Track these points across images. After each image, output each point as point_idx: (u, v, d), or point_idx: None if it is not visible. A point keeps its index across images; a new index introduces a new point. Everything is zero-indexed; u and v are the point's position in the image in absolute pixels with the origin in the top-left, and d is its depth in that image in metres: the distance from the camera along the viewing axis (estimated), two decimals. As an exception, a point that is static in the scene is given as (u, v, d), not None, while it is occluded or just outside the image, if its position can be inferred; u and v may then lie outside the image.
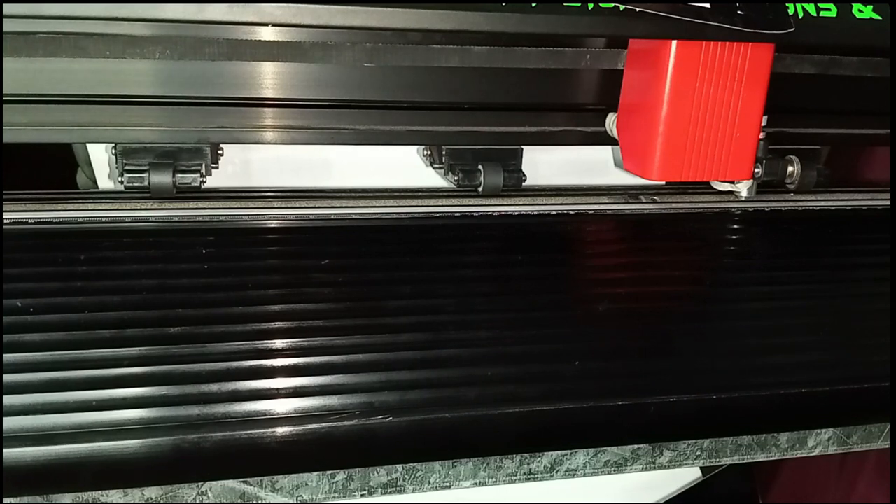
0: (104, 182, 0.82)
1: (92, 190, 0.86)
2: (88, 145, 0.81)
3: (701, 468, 1.05)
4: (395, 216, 0.75)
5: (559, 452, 0.63)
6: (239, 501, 0.58)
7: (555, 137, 0.80)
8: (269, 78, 0.71)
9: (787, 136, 0.85)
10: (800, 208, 0.85)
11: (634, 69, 0.74)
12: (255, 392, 0.56)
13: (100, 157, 0.81)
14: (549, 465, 0.63)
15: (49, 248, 0.65)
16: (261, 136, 0.73)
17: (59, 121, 0.69)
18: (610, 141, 0.79)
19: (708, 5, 0.67)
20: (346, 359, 0.59)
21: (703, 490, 1.06)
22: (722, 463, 0.69)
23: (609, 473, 0.64)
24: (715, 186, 0.84)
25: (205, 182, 0.73)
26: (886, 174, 1.00)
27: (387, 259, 0.69)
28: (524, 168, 0.80)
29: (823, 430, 0.68)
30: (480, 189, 0.79)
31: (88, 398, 0.54)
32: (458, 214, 0.76)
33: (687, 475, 1.05)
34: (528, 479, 0.63)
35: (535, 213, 0.78)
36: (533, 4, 0.63)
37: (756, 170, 0.79)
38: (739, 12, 0.67)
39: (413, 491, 0.61)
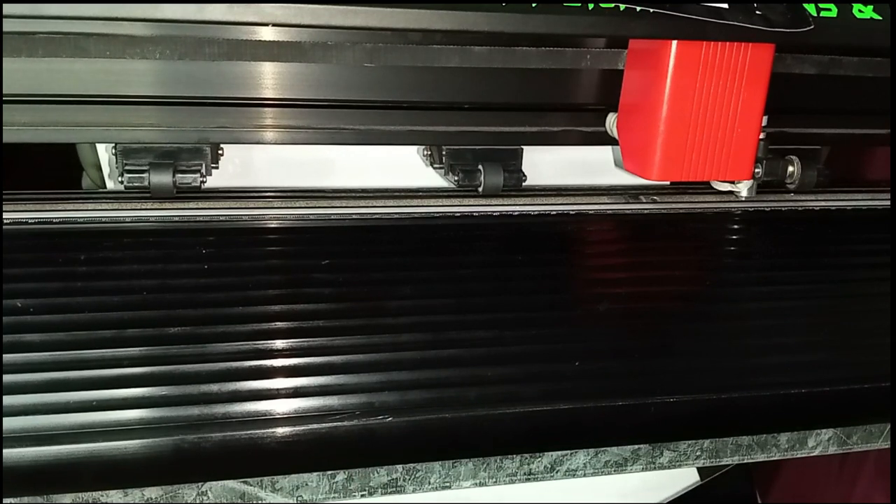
0: (112, 184, 0.82)
1: (92, 190, 0.86)
2: (98, 149, 0.82)
3: (699, 471, 1.05)
4: (395, 216, 0.75)
5: (559, 452, 0.63)
6: (239, 501, 0.58)
7: (555, 137, 0.80)
8: (269, 78, 0.71)
9: (787, 136, 0.85)
10: (800, 208, 0.85)
11: (635, 69, 0.74)
12: (256, 392, 0.56)
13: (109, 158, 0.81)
14: (549, 465, 0.63)
15: (49, 248, 0.65)
16: (261, 136, 0.73)
17: (59, 121, 0.69)
18: (610, 141, 0.79)
19: (726, 5, 0.67)
20: (346, 359, 0.59)
21: (702, 492, 1.06)
22: (722, 463, 0.69)
23: (609, 473, 0.64)
24: (715, 186, 0.84)
25: (205, 182, 0.73)
26: (886, 174, 1.01)
27: (387, 259, 0.69)
28: (524, 168, 0.80)
29: (823, 430, 0.68)
30: (480, 189, 0.79)
31: (89, 398, 0.54)
32: (458, 214, 0.76)
33: (687, 477, 1.05)
34: (528, 479, 0.63)
35: (536, 213, 0.78)
36: (533, 4, 0.63)
37: (756, 170, 0.79)
38: (758, 12, 0.67)
39: (413, 491, 0.61)
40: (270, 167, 0.82)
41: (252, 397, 0.56)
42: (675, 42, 0.69)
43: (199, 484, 0.57)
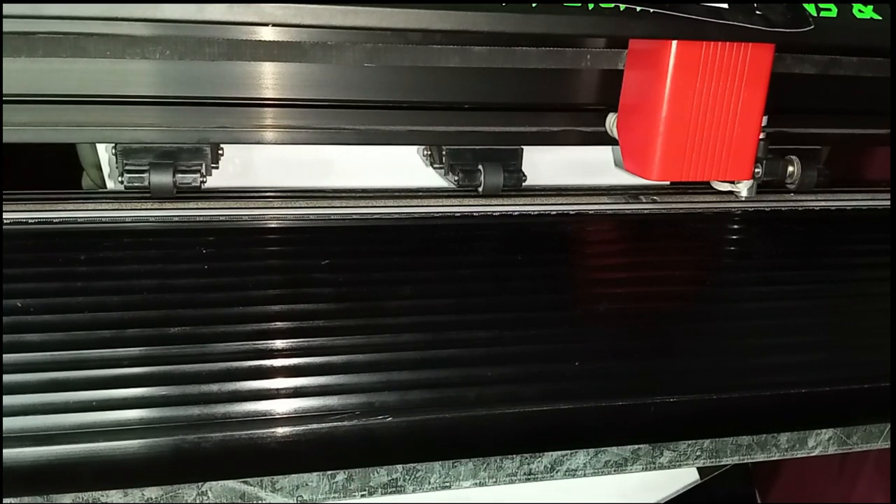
0: (112, 184, 0.82)
1: (92, 190, 0.86)
2: (98, 149, 0.82)
3: (698, 470, 1.05)
4: (395, 216, 0.75)
5: (559, 452, 0.63)
6: (239, 501, 0.58)
7: (555, 137, 0.80)
8: (269, 78, 0.71)
9: (787, 136, 0.85)
10: (800, 208, 0.85)
11: (635, 69, 0.74)
12: (256, 392, 0.56)
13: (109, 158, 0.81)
14: (549, 465, 0.63)
15: (49, 248, 0.65)
16: (261, 136, 0.73)
17: (59, 121, 0.69)
18: (610, 141, 0.79)
19: (726, 5, 0.67)
20: (346, 359, 0.59)
21: (702, 491, 1.06)
22: (722, 463, 0.69)
23: (609, 473, 0.64)
24: (715, 186, 0.84)
25: (205, 182, 0.73)
26: (886, 174, 1.01)
27: (387, 259, 0.69)
28: (524, 168, 0.80)
29: (823, 430, 0.68)
30: (480, 189, 0.79)
31: (88, 398, 0.54)
32: (458, 214, 0.76)
33: (686, 476, 1.05)
34: (528, 479, 0.63)
35: (536, 213, 0.78)
36: (533, 4, 0.63)
37: (756, 170, 0.79)
38: (758, 12, 0.67)
39: (413, 491, 0.61)
40: (270, 167, 0.82)
41: (252, 397, 0.56)
42: (675, 42, 0.69)
43: (199, 484, 0.57)
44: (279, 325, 0.60)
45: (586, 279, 0.73)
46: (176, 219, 0.70)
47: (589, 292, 0.70)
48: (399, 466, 0.60)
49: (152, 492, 0.56)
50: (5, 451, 0.51)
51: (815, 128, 0.87)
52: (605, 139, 0.79)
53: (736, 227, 0.82)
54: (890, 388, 0.65)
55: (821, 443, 0.69)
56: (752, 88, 0.72)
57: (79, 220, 0.69)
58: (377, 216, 0.75)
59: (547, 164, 0.87)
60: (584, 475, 0.64)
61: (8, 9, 0.57)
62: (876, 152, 1.06)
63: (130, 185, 0.71)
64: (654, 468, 0.65)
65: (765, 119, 0.75)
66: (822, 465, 1.11)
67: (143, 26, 0.65)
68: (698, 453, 0.66)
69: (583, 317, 0.67)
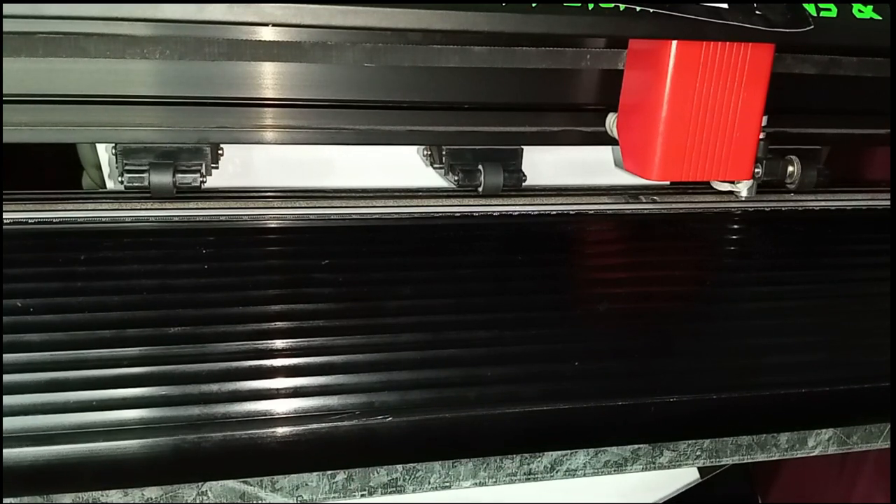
0: (112, 184, 0.82)
1: (92, 190, 0.86)
2: (98, 149, 0.82)
3: (699, 469, 1.05)
4: (395, 216, 0.75)
5: (559, 452, 0.63)
6: (239, 501, 0.58)
7: (555, 137, 0.80)
8: (269, 78, 0.71)
9: (787, 136, 0.85)
10: (800, 208, 0.85)
11: (634, 69, 0.74)
12: (256, 392, 0.56)
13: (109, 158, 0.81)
14: (549, 465, 0.63)
15: (49, 248, 0.65)
16: (261, 136, 0.73)
17: (59, 121, 0.69)
18: (610, 141, 0.79)
19: (726, 5, 0.67)
20: (346, 359, 0.59)
21: (702, 491, 1.06)
22: (722, 463, 0.69)
23: (609, 473, 0.64)
24: (715, 186, 0.84)
25: (205, 182, 0.73)
26: (886, 174, 1.01)
27: (387, 259, 0.69)
28: (524, 168, 0.80)
29: (823, 430, 0.68)
30: (480, 189, 0.79)
31: (88, 398, 0.54)
32: (458, 214, 0.76)
33: (686, 476, 1.05)
34: (528, 479, 0.63)
35: (535, 213, 0.78)
36: (533, 4, 0.63)
37: (756, 170, 0.79)
38: (758, 12, 0.67)
39: (413, 491, 0.61)
40: (270, 167, 0.82)
41: (252, 397, 0.56)
42: (674, 42, 0.69)
43: (199, 484, 0.57)
44: (279, 324, 0.60)
45: (586, 279, 0.73)
46: (176, 219, 0.70)
47: (589, 292, 0.70)
48: (399, 466, 0.60)
49: (152, 492, 0.56)
50: (5, 451, 0.51)
51: (815, 128, 0.87)
52: (605, 139, 0.79)
53: (736, 227, 0.82)
54: (890, 388, 0.65)
55: (821, 443, 0.69)
56: (752, 88, 0.72)
57: (79, 220, 0.69)
58: (377, 216, 0.75)
59: (547, 164, 0.87)
60: (584, 475, 0.64)
61: (8, 9, 0.57)
62: (876, 152, 1.06)
63: (130, 185, 0.71)
64: (654, 468, 0.65)
65: (765, 119, 0.75)
66: (822, 465, 1.11)
67: (143, 26, 0.65)
68: (698, 453, 0.66)
69: (583, 317, 0.67)
